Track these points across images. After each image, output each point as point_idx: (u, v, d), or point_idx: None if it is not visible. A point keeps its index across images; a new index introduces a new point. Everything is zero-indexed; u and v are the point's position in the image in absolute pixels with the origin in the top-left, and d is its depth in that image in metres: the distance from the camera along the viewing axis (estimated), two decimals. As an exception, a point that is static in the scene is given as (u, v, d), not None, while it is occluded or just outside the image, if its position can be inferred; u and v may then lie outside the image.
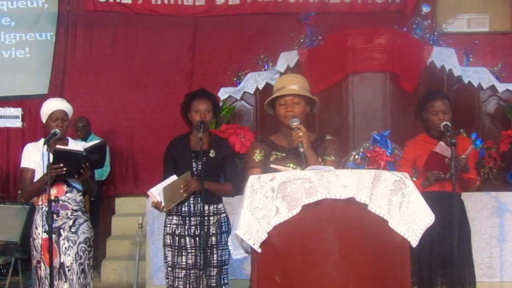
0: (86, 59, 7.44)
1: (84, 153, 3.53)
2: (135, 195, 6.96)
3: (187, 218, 3.63)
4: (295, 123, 2.95)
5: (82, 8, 7.32)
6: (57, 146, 3.53)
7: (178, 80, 7.37)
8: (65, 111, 3.74)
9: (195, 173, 3.58)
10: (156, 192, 3.51)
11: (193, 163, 3.60)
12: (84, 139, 6.35)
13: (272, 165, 2.91)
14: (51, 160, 3.42)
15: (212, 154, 3.65)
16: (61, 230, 3.65)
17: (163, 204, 3.51)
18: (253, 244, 2.45)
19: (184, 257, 3.62)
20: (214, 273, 3.63)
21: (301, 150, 2.87)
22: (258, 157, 3.09)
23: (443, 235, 3.50)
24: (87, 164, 3.57)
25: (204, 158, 3.58)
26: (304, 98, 3.05)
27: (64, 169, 3.48)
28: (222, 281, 3.66)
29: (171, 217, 3.68)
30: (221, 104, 6.11)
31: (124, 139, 7.40)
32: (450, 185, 3.51)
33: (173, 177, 3.54)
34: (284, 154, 3.05)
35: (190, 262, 3.61)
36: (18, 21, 7.54)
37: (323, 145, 3.08)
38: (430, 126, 3.76)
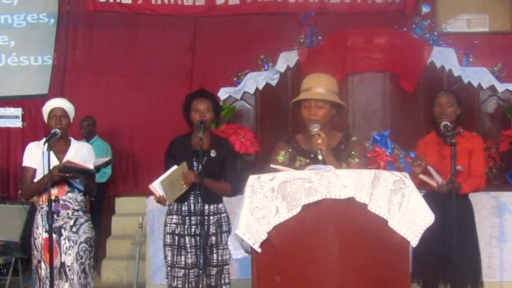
0: (86, 59, 7.45)
1: (94, 171, 3.63)
2: (135, 195, 6.95)
3: (187, 218, 3.63)
4: (315, 129, 2.90)
5: (82, 8, 7.31)
6: (68, 160, 3.59)
7: (178, 80, 7.36)
8: (63, 108, 3.76)
9: (196, 172, 3.59)
10: (157, 186, 3.48)
11: (194, 162, 3.61)
12: (88, 139, 6.36)
13: (272, 165, 2.90)
14: (51, 161, 3.44)
15: (213, 154, 3.67)
16: (62, 230, 3.66)
17: (165, 198, 3.49)
18: (253, 244, 2.45)
19: (183, 257, 3.62)
20: (214, 273, 3.64)
21: (320, 157, 2.83)
22: (282, 158, 3.05)
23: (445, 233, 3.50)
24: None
25: (206, 158, 3.61)
26: (330, 101, 3.01)
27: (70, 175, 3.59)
28: (223, 281, 3.67)
29: (171, 217, 3.69)
30: (221, 104, 6.10)
31: (124, 139, 7.40)
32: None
33: (171, 169, 3.52)
34: (308, 161, 3.00)
35: (190, 262, 3.61)
36: (18, 21, 7.55)
37: (348, 147, 3.04)
38: (436, 121, 3.76)
